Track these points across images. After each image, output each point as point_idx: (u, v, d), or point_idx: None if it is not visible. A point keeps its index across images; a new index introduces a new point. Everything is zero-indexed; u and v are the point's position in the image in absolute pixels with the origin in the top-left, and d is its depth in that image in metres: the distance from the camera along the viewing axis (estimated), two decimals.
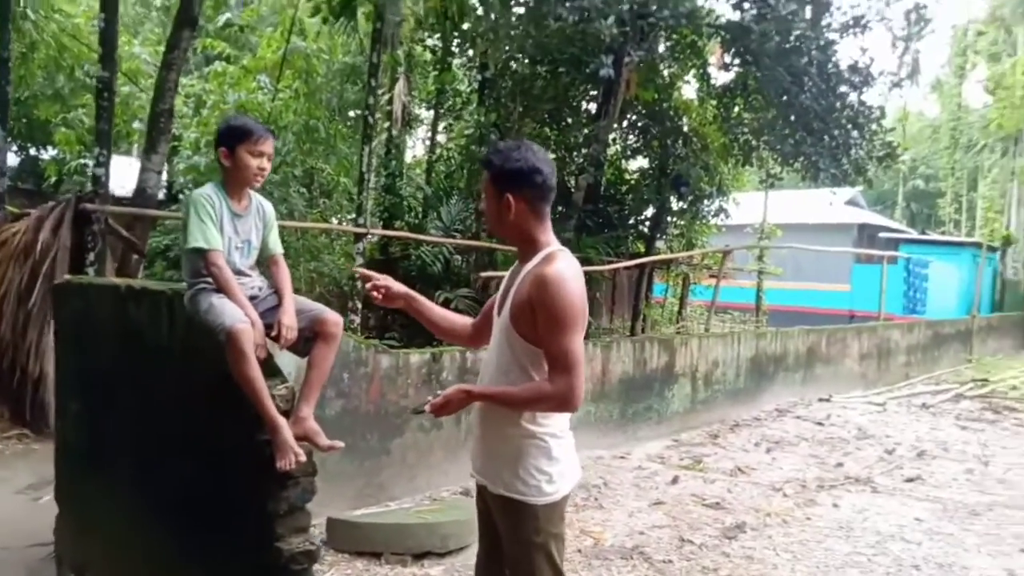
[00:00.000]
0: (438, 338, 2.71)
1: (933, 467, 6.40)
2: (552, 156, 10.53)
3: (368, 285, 2.46)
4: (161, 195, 9.88)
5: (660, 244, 11.93)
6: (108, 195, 6.39)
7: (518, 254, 2.23)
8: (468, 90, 12.73)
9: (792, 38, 8.59)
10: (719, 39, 9.83)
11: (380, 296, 2.44)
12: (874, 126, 8.31)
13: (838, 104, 8.19)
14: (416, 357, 5.05)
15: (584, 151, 11.40)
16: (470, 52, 11.94)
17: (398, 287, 2.44)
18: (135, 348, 3.00)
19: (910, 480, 5.97)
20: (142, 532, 2.93)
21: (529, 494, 2.08)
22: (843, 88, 8.06)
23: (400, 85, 12.37)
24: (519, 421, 2.10)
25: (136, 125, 13.15)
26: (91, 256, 6.00)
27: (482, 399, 2.12)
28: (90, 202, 6.06)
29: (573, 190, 10.59)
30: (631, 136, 12.27)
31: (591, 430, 6.39)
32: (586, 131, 11.65)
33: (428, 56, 14.10)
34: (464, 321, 2.56)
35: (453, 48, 12.25)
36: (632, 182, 11.77)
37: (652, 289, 12.08)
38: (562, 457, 2.14)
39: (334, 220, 13.48)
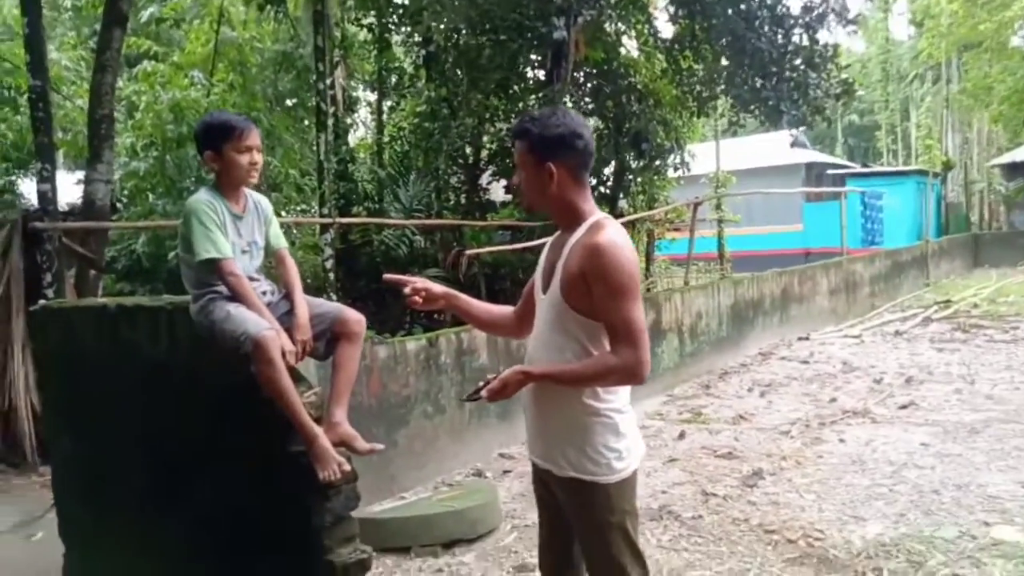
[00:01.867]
0: (483, 332, 2.55)
1: (923, 391, 6.55)
2: (503, 126, 10.32)
3: (407, 290, 2.26)
4: None
5: (623, 203, 11.89)
6: (57, 212, 6.02)
7: (559, 225, 2.10)
8: (411, 67, 12.39)
9: None
10: None
11: (420, 300, 2.26)
12: (830, 64, 8.36)
13: (791, 46, 8.19)
14: (413, 344, 4.90)
15: None
16: (408, 28, 11.60)
17: (437, 288, 2.27)
18: (131, 369, 2.79)
19: (904, 407, 6.10)
20: (162, 561, 2.75)
21: (600, 473, 1.99)
22: (796, 29, 8.04)
23: (340, 68, 11.99)
24: (582, 399, 1.99)
25: (61, 135, 12.46)
26: (48, 277, 5.63)
27: (543, 379, 1.99)
28: (39, 220, 5.69)
29: None
30: (584, 99, 12.13)
31: None
32: (536, 97, 11.48)
33: (363, 36, 13.68)
34: (506, 311, 2.39)
35: (391, 25, 11.88)
36: None
37: None
38: (628, 432, 2.05)
39: (283, 213, 13.09)
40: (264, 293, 2.50)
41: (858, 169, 23.72)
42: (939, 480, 4.34)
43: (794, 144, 24.06)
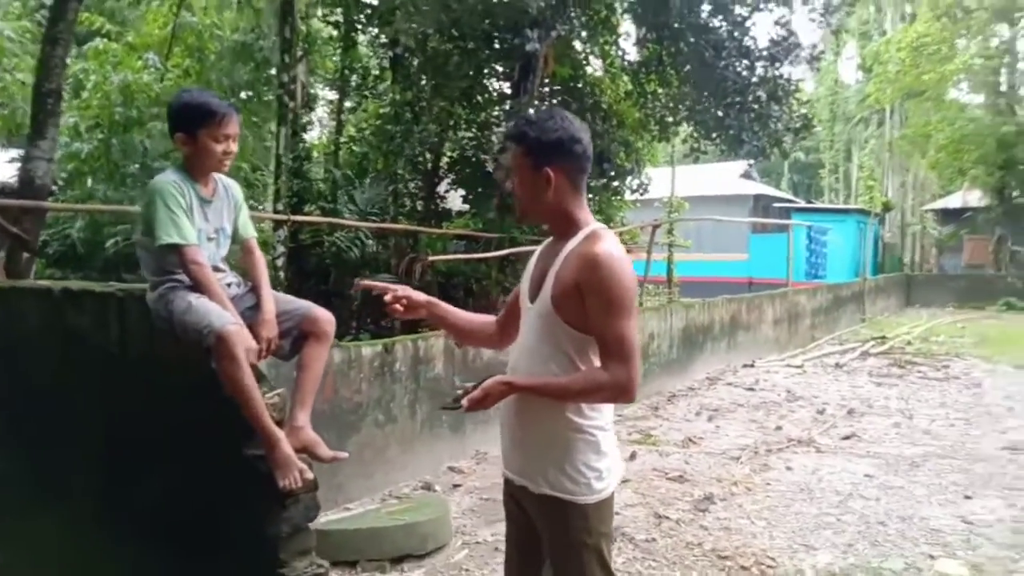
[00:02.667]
0: (463, 343, 2.45)
1: (864, 423, 6.71)
2: (465, 134, 10.22)
3: (388, 298, 2.15)
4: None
5: None
6: None
7: (552, 233, 2.02)
8: (376, 68, 12.23)
9: (705, 11, 8.72)
10: (632, 14, 9.88)
11: (401, 309, 2.15)
12: (791, 99, 8.59)
13: (754, 78, 8.38)
14: (368, 350, 4.75)
15: (501, 129, 11.22)
16: (375, 29, 11.44)
17: (418, 296, 2.16)
18: (76, 359, 2.60)
19: (847, 438, 6.23)
20: (110, 568, 2.55)
21: (579, 492, 1.90)
22: (761, 62, 8.24)
23: (302, 64, 11.73)
24: (565, 414, 1.91)
25: None
26: None
27: (526, 391, 1.89)
28: None
29: (494, 169, 10.41)
30: None
31: None
32: (499, 109, 11.47)
33: (327, 33, 13.45)
34: (487, 320, 2.31)
35: (357, 25, 11.70)
36: None
37: None
38: (610, 451, 1.98)
39: None
40: (229, 285, 2.35)
41: (803, 204, 24.50)
42: (884, 511, 4.42)
43: (744, 175, 24.76)
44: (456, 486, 4.95)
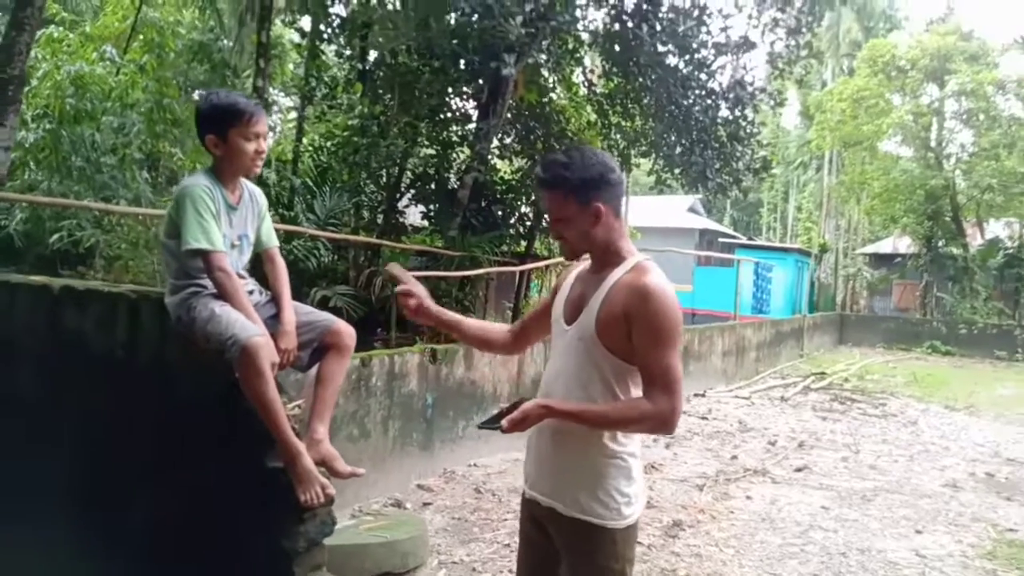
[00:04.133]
0: (474, 348, 2.47)
1: (814, 456, 6.95)
2: (429, 151, 10.23)
3: (399, 289, 2.18)
4: None
5: (536, 243, 12.06)
6: None
7: (595, 262, 2.04)
8: (344, 80, 12.15)
9: (670, 51, 9.02)
10: (599, 48, 10.13)
11: (412, 307, 2.17)
12: (753, 141, 8.93)
13: (719, 118, 8.69)
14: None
15: (465, 150, 11.29)
16: (344, 40, 11.38)
17: (432, 305, 2.19)
18: (76, 364, 2.49)
19: (799, 470, 6.44)
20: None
21: (609, 517, 1.92)
22: (723, 103, 8.55)
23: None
24: (600, 440, 1.93)
25: None
26: None
27: (566, 416, 1.89)
28: None
29: (457, 188, 10.45)
30: (507, 136, 12.29)
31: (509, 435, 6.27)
32: (464, 129, 11.55)
33: (292, 40, 13.29)
34: (499, 329, 2.36)
35: (325, 35, 11.61)
36: (512, 182, 11.79)
37: (531, 288, 12.19)
38: (638, 478, 2.01)
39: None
40: (251, 293, 2.31)
41: (745, 241, 25.30)
42: (843, 543, 4.59)
43: (690, 210, 25.46)
44: (426, 504, 4.90)
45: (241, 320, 2.10)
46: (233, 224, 2.29)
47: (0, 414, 2.63)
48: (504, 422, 1.87)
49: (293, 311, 2.32)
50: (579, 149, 2.00)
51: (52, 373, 2.53)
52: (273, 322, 2.26)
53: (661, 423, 1.88)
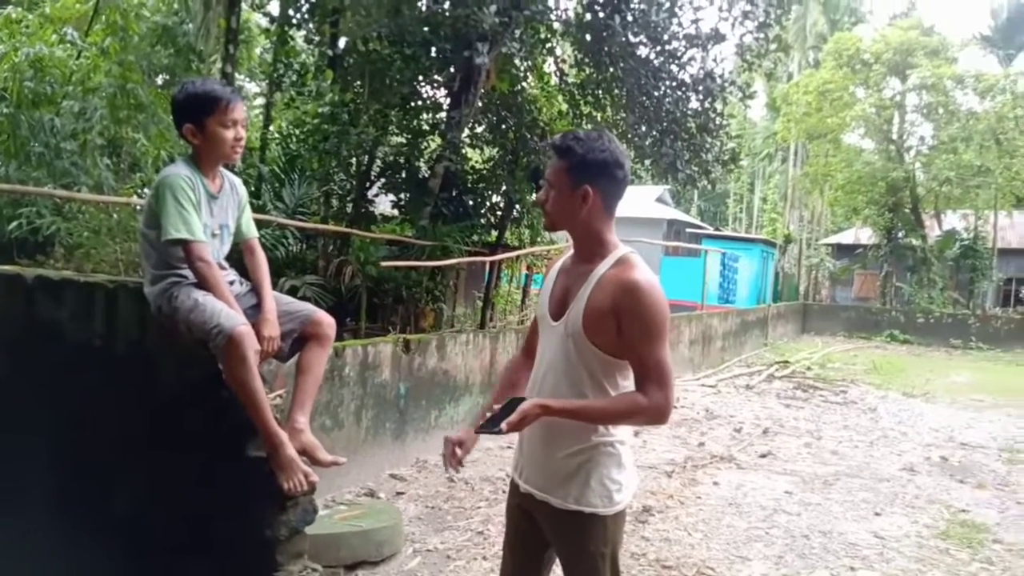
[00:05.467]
0: None
1: (778, 443, 7.14)
2: (400, 140, 10.17)
3: (453, 462, 2.12)
4: None
5: (507, 234, 12.09)
6: None
7: (578, 252, 2.07)
8: (313, 66, 12.00)
9: (641, 42, 9.09)
10: (571, 37, 10.17)
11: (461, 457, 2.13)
12: (722, 132, 9.06)
13: (688, 109, 8.80)
14: None
15: (436, 138, 11.24)
16: (314, 25, 11.24)
17: (465, 434, 2.15)
18: (48, 354, 2.47)
19: (764, 456, 6.61)
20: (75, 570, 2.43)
21: (600, 505, 1.96)
22: (693, 95, 8.66)
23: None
24: (591, 431, 1.96)
25: None
26: None
27: (562, 414, 1.91)
28: None
29: (429, 177, 10.43)
30: (479, 126, 12.27)
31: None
32: (435, 117, 11.50)
33: (259, 24, 13.08)
34: (519, 362, 2.28)
35: (294, 20, 11.46)
36: (484, 172, 11.78)
37: (501, 278, 12.23)
38: (628, 464, 2.04)
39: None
40: (232, 283, 2.32)
41: (712, 231, 25.63)
42: (806, 526, 4.74)
43: (659, 200, 25.69)
44: (399, 493, 4.93)
45: (225, 310, 2.11)
46: (214, 213, 2.29)
47: None
48: (503, 425, 1.86)
49: (274, 301, 2.34)
50: (604, 135, 1.98)
51: (27, 362, 2.51)
52: (253, 312, 2.28)
53: (657, 415, 1.91)
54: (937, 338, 18.65)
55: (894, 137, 23.11)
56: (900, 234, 22.50)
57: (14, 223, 10.20)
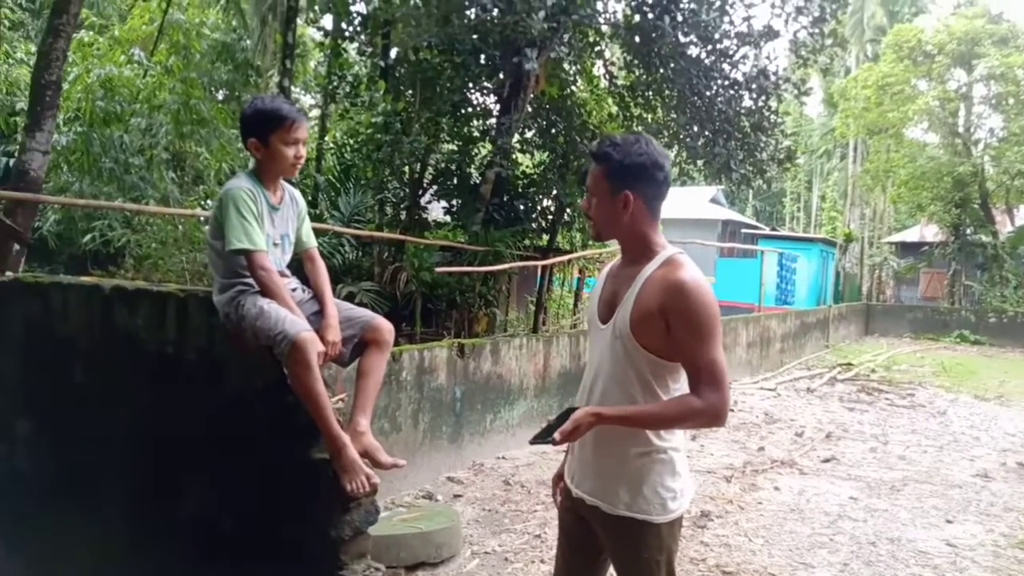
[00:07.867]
0: None
1: (842, 447, 6.94)
2: (451, 147, 10.32)
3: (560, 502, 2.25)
4: None
5: (559, 237, 12.09)
6: None
7: (626, 255, 2.07)
8: (366, 77, 12.26)
9: (692, 42, 9.00)
10: (620, 40, 10.12)
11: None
12: (777, 130, 8.88)
13: (742, 108, 8.65)
14: None
15: (487, 144, 11.33)
16: (366, 37, 11.48)
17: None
18: (124, 360, 2.59)
19: (827, 461, 6.43)
20: (144, 569, 2.54)
21: (654, 513, 1.94)
22: (746, 93, 8.51)
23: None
24: (642, 437, 1.94)
25: None
26: None
27: (616, 421, 1.91)
28: None
29: (480, 183, 10.52)
30: (528, 131, 12.32)
31: (534, 426, 6.34)
32: (485, 123, 11.60)
33: (313, 38, 13.41)
34: None
35: (347, 33, 11.72)
36: (534, 176, 11.82)
37: (553, 282, 12.23)
38: (683, 472, 2.02)
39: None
40: (294, 290, 2.40)
41: (768, 231, 25.10)
42: (873, 533, 4.60)
43: (712, 200, 25.29)
44: (457, 496, 4.98)
45: (289, 317, 2.18)
46: (276, 224, 2.37)
47: (57, 409, 2.76)
48: (556, 435, 1.86)
49: (335, 308, 2.41)
50: (641, 138, 1.99)
51: (104, 370, 2.64)
52: (316, 318, 2.35)
53: (713, 417, 1.88)
54: (1011, 339, 17.81)
55: (960, 130, 22.21)
56: (968, 230, 21.59)
57: (88, 236, 10.72)
